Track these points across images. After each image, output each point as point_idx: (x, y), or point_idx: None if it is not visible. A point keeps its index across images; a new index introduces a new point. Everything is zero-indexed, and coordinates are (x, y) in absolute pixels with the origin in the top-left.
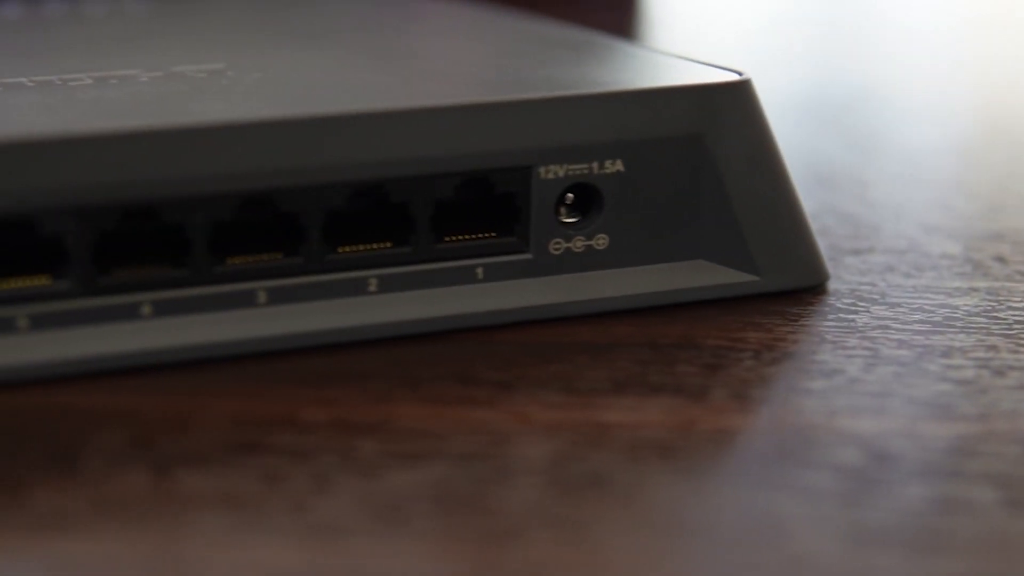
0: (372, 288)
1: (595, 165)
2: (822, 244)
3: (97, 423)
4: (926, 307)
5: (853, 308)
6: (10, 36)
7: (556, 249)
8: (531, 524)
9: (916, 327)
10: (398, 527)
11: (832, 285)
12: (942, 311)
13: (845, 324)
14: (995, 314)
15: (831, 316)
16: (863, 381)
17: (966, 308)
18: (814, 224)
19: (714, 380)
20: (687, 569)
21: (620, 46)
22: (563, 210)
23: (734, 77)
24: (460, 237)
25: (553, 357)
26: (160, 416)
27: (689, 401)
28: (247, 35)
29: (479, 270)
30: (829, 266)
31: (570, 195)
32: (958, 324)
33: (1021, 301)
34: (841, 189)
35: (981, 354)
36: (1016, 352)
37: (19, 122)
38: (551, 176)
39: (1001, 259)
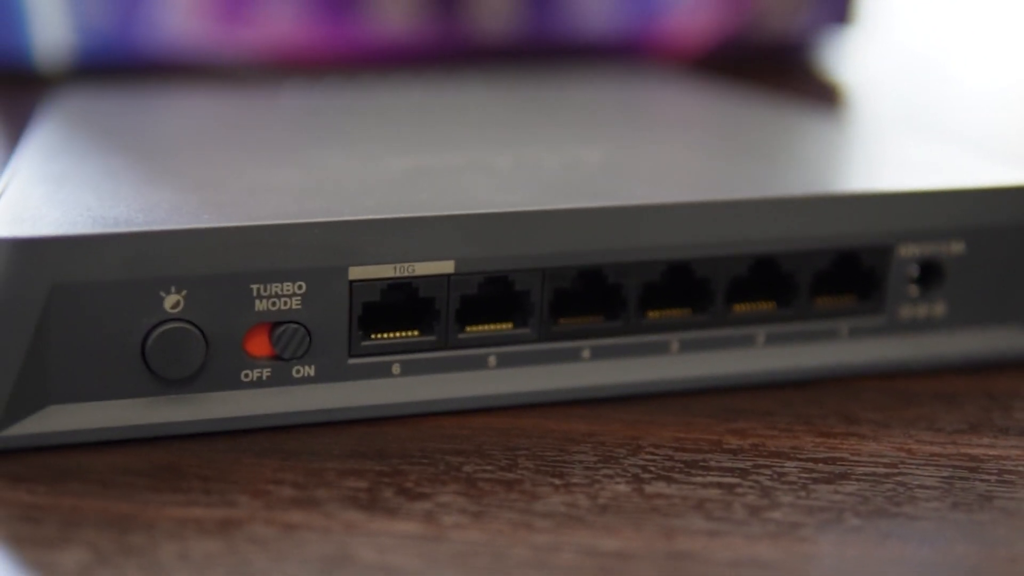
0: (760, 342)
1: (943, 246)
2: None
3: (566, 442)
4: None
5: None
6: (355, 122)
7: (905, 314)
8: (943, 528)
9: None
10: (837, 526)
11: None
12: None
13: None
14: None
15: None
16: None
17: None
18: None
19: None
20: None
21: (918, 140)
22: (910, 281)
23: None
24: (830, 301)
25: (912, 402)
26: (614, 439)
27: None
28: (579, 120)
29: (843, 329)
30: None
31: (915, 268)
32: None
33: None
34: None
35: None
36: None
37: (489, 199)
38: (907, 254)
39: None
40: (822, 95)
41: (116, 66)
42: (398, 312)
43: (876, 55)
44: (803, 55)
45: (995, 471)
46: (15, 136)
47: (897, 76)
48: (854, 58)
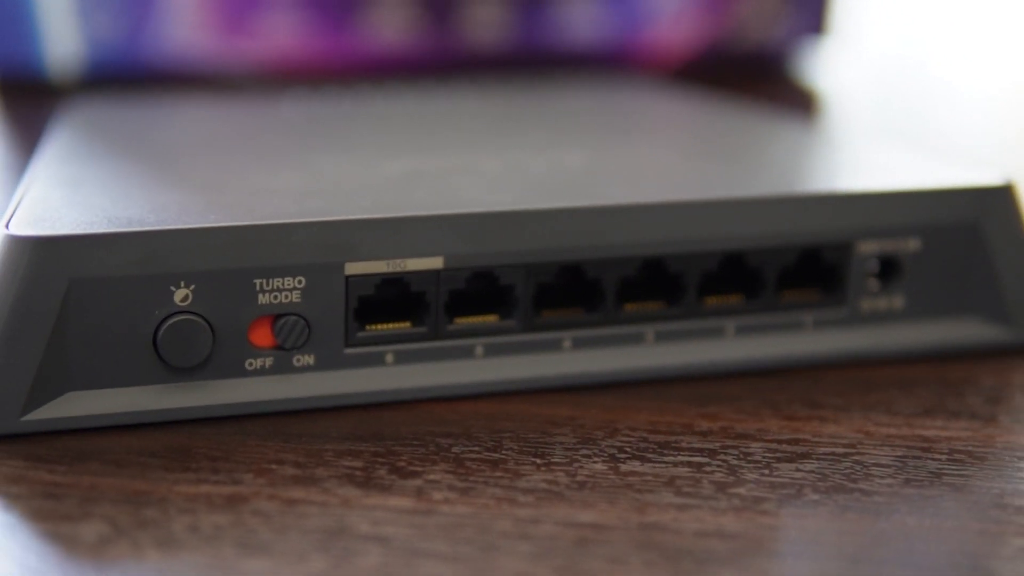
0: (729, 333)
1: (900, 243)
2: None
3: (548, 426)
4: None
5: None
6: (352, 129)
7: (865, 307)
8: (895, 502)
9: None
10: (798, 501)
11: None
12: None
13: None
14: None
15: None
16: None
17: None
18: None
19: (998, 409)
20: (1020, 532)
21: (876, 146)
22: (870, 276)
23: (1003, 180)
24: (795, 294)
25: (872, 388)
26: (593, 423)
27: (984, 423)
28: (564, 127)
29: (808, 321)
30: None
31: (875, 264)
32: None
33: None
34: None
35: None
36: None
37: (477, 199)
38: (867, 251)
39: None
40: (798, 102)
41: (125, 77)
42: (391, 305)
43: (850, 63)
44: (781, 64)
45: (946, 451)
46: (32, 143)
47: (870, 83)
48: (829, 66)
